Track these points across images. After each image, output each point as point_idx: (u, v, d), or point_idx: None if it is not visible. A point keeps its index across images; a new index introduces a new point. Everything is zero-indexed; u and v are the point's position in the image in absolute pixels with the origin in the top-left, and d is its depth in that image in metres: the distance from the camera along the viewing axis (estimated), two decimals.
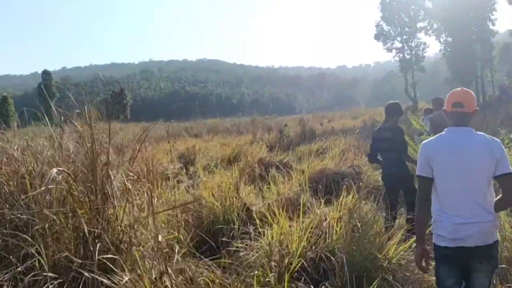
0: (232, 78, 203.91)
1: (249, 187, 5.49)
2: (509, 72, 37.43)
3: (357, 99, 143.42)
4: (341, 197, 3.99)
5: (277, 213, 3.61)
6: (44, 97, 69.73)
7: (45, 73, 70.32)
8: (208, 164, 8.97)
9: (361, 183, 5.95)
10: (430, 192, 2.45)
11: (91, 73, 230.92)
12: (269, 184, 5.82)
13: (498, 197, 2.38)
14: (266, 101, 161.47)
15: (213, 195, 4.38)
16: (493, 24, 36.78)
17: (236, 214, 4.21)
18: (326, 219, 3.45)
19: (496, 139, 2.39)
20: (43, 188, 2.42)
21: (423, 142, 2.57)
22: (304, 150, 10.30)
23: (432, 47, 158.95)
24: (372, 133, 5.53)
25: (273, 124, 26.18)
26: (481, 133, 2.41)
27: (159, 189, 4.72)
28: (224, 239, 3.81)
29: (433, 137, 2.55)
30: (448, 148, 2.38)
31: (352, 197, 4.01)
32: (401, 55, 42.16)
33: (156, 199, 4.13)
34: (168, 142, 12.66)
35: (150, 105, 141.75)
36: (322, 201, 4.23)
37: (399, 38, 41.98)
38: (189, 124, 37.53)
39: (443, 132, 2.48)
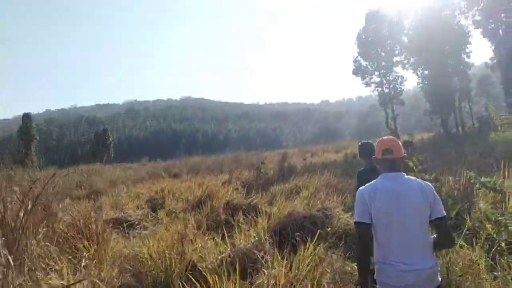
0: (218, 115, 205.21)
1: (206, 238, 4.94)
2: (487, 104, 37.99)
3: (343, 132, 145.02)
4: (298, 253, 3.47)
5: (214, 278, 3.06)
6: (25, 141, 68.70)
7: (26, 116, 69.54)
8: (169, 209, 8.37)
9: (329, 228, 5.48)
10: (370, 238, 2.38)
11: (75, 114, 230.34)
12: (230, 232, 5.30)
13: (433, 239, 2.39)
14: (253, 137, 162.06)
15: (149, 254, 3.80)
16: (468, 57, 37.48)
17: (178, 274, 3.63)
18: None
19: (428, 183, 2.43)
20: None
21: (359, 189, 2.52)
22: (279, 189, 9.78)
23: (411, 80, 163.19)
24: (359, 174, 4.82)
25: (255, 161, 25.71)
26: (413, 177, 2.46)
27: (96, 245, 4.12)
28: None
29: (368, 184, 2.52)
30: (386, 193, 2.37)
31: (312, 252, 3.50)
32: (379, 89, 42.42)
33: (83, 260, 3.56)
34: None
35: (136, 144, 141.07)
36: (279, 257, 3.70)
37: (376, 73, 42.05)
38: (172, 162, 36.80)
39: (378, 179, 2.51)
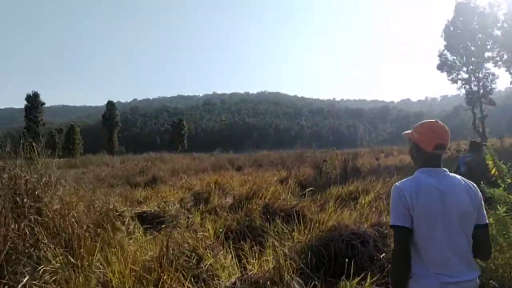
0: (292, 110, 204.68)
1: (221, 252, 3.90)
2: None
3: None
4: None
5: None
6: (108, 127, 73.08)
7: (109, 103, 73.45)
8: (200, 209, 7.46)
9: (384, 253, 4.17)
10: (409, 246, 1.97)
11: (158, 104, 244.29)
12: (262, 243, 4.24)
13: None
14: (326, 134, 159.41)
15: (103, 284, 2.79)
16: None
17: None
18: None
19: (474, 184, 2.08)
20: None
21: (395, 184, 2.08)
22: (336, 192, 8.48)
23: (503, 79, 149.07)
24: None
25: (323, 158, 24.20)
26: (455, 175, 2.09)
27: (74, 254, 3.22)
28: None
29: (407, 179, 2.08)
30: (431, 192, 1.97)
31: None
32: (467, 86, 38.27)
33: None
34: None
35: (211, 135, 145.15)
36: None
37: (465, 69, 37.93)
38: (238, 155, 36.48)
39: (416, 173, 2.11)
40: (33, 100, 51.41)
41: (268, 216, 5.88)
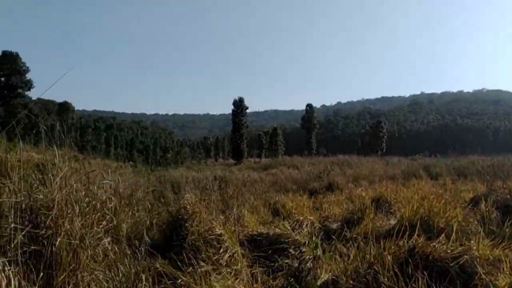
0: None
1: None
2: None
3: None
4: None
5: None
6: (307, 129, 75.10)
7: (308, 106, 75.34)
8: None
9: None
10: None
11: (361, 106, 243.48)
12: None
13: None
14: None
15: None
16: None
17: None
18: None
19: None
20: None
21: None
22: None
23: None
24: None
25: None
26: None
27: None
28: None
29: None
30: None
31: None
32: None
33: None
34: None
35: (416, 138, 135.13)
36: None
37: None
38: (444, 161, 31.53)
39: None
40: (238, 105, 56.35)
41: (410, 270, 3.62)
